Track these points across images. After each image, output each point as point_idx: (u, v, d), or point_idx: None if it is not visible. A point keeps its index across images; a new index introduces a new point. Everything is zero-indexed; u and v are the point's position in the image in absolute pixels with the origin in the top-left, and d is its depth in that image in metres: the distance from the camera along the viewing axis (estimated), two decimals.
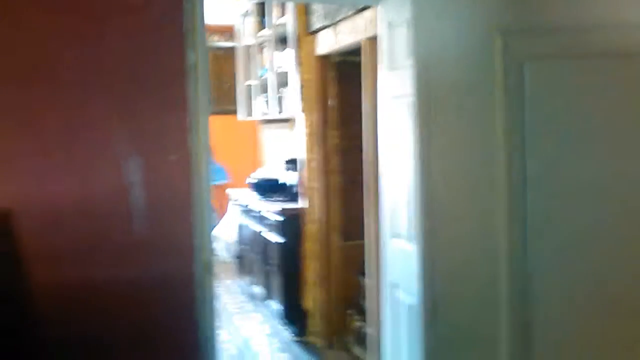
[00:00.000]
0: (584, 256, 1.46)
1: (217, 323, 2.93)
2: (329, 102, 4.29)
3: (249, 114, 6.28)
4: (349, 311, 4.21)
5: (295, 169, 4.86)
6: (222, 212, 7.21)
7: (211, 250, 2.92)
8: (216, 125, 7.45)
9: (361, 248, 3.60)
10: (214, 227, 7.03)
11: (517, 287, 1.60)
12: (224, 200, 7.11)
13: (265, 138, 6.80)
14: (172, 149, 2.85)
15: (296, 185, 4.81)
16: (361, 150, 3.52)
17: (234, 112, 6.63)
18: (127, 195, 2.81)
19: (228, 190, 6.66)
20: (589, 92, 1.42)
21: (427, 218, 2.03)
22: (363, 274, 3.63)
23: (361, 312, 3.92)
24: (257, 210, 5.13)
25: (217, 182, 7.39)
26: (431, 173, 2.04)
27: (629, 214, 1.49)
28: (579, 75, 1.44)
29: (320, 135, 4.31)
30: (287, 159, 5.27)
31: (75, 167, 2.78)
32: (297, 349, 4.34)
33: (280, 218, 4.56)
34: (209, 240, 2.90)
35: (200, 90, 2.86)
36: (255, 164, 6.82)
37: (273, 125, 6.23)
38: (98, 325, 2.80)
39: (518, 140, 1.59)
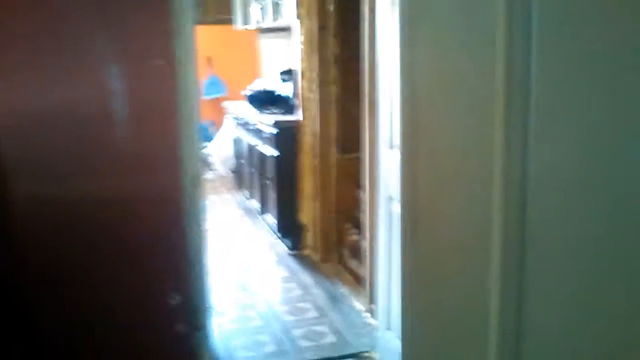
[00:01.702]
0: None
1: (206, 236, 2.86)
2: (328, 7, 4.06)
3: (246, 22, 6.03)
4: (345, 225, 4.15)
5: (292, 80, 4.68)
6: (219, 125, 7.08)
7: (199, 162, 2.82)
8: (213, 37, 7.28)
9: (358, 161, 3.49)
10: (209, 140, 6.92)
11: (513, 203, 1.48)
12: (221, 114, 6.97)
13: (264, 49, 6.57)
14: (156, 54, 2.69)
15: (293, 97, 4.65)
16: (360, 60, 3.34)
17: (230, 21, 6.38)
18: (110, 104, 2.68)
19: (225, 103, 6.50)
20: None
21: (410, 122, 1.90)
22: (360, 187, 3.53)
23: (357, 225, 3.86)
24: (253, 123, 5.00)
25: (214, 95, 7.23)
26: (415, 76, 1.90)
27: None
28: None
29: (317, 44, 4.11)
30: (283, 70, 5.09)
31: (54, 74, 2.64)
32: (293, 263, 4.32)
33: (276, 131, 4.43)
34: (197, 152, 2.79)
35: None
36: (254, 76, 6.62)
37: (271, 35, 5.99)
38: (83, 240, 2.73)
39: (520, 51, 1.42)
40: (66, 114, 2.66)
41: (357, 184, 3.79)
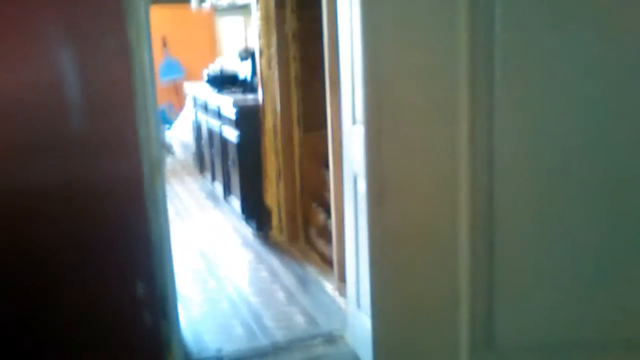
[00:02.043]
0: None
1: (169, 222, 2.78)
2: None
3: (201, 1, 5.88)
4: (311, 204, 4.10)
5: (252, 59, 4.58)
6: (179, 108, 6.94)
7: (159, 146, 2.73)
8: (168, 17, 7.10)
9: (323, 139, 3.44)
10: (169, 123, 6.78)
11: (480, 177, 1.45)
12: (181, 96, 6.82)
13: (222, 28, 6.43)
14: (109, 34, 2.58)
15: (252, 76, 4.55)
16: (322, 36, 3.27)
17: (187, 0, 6.22)
18: (62, 88, 2.57)
19: (184, 85, 6.36)
20: None
21: (373, 96, 1.86)
22: (327, 165, 3.48)
23: (324, 204, 3.81)
24: (214, 105, 4.89)
25: (171, 77, 7.07)
26: (380, 48, 1.85)
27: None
28: None
29: (276, 20, 4.01)
30: (243, 49, 4.98)
31: (1, 58, 2.51)
32: (259, 245, 4.26)
33: (236, 111, 4.34)
34: (156, 135, 2.70)
35: None
36: (213, 56, 6.49)
37: (228, 14, 5.86)
38: (41, 229, 2.63)
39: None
40: (15, 101, 2.54)
41: (323, 162, 3.74)
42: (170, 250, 2.81)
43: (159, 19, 6.78)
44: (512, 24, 1.37)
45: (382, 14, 1.83)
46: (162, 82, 7.01)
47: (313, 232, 4.08)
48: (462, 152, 1.48)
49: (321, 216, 3.92)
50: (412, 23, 1.71)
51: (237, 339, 3.08)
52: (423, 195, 1.77)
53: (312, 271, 3.79)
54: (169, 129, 6.78)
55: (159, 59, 6.98)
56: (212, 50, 6.64)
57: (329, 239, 3.59)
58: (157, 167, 2.71)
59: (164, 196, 2.78)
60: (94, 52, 2.60)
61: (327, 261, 3.74)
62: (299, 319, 3.24)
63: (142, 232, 2.74)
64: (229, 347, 3.01)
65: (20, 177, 2.60)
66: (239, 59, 4.99)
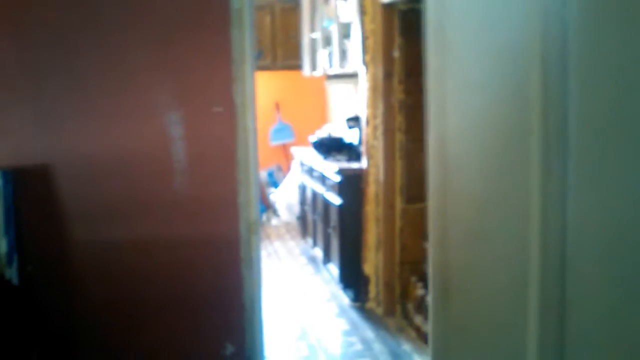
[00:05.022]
0: None
1: (261, 284, 2.78)
2: (394, 54, 3.99)
3: (313, 68, 6.06)
4: (410, 277, 3.98)
5: (358, 127, 4.61)
6: (287, 170, 7.08)
7: (257, 209, 2.76)
8: (282, 82, 7.34)
9: (424, 211, 3.34)
10: (276, 185, 6.91)
11: (552, 272, 1.33)
12: (289, 159, 6.97)
13: (332, 94, 6.56)
14: (216, 101, 2.69)
15: (358, 144, 4.57)
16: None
17: (299, 67, 6.42)
18: (169, 150, 2.68)
19: (293, 149, 6.49)
20: None
21: (438, 176, 1.81)
22: (427, 238, 3.37)
23: (423, 278, 3.68)
24: (319, 170, 4.94)
25: (282, 141, 7.25)
26: (445, 127, 1.81)
27: None
28: None
29: (383, 90, 4.03)
30: (350, 116, 5.03)
31: (115, 121, 2.68)
32: (355, 315, 4.16)
33: (340, 178, 4.35)
34: (255, 198, 2.74)
35: (245, 39, 2.67)
36: (322, 121, 6.61)
37: (339, 81, 5.98)
38: (141, 285, 2.72)
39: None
40: (127, 160, 2.68)
41: (423, 235, 3.64)
42: (261, 312, 2.80)
43: (273, 85, 7.04)
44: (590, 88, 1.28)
45: (449, 73, 1.82)
46: (272, 145, 7.20)
47: (411, 307, 3.94)
48: (533, 243, 1.37)
49: (419, 291, 3.79)
50: (481, 88, 1.69)
51: None
52: (490, 289, 1.67)
53: (406, 347, 3.64)
54: (275, 190, 6.91)
55: (271, 123, 7.20)
56: (323, 116, 6.77)
57: (426, 315, 3.44)
58: (254, 228, 2.74)
59: (259, 258, 2.79)
60: (202, 116, 2.71)
61: (423, 337, 3.58)
62: None
63: (235, 292, 2.76)
64: None
65: (122, 232, 2.71)
66: (346, 126, 5.03)
